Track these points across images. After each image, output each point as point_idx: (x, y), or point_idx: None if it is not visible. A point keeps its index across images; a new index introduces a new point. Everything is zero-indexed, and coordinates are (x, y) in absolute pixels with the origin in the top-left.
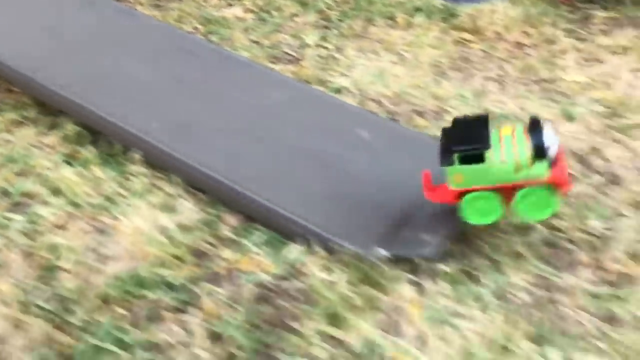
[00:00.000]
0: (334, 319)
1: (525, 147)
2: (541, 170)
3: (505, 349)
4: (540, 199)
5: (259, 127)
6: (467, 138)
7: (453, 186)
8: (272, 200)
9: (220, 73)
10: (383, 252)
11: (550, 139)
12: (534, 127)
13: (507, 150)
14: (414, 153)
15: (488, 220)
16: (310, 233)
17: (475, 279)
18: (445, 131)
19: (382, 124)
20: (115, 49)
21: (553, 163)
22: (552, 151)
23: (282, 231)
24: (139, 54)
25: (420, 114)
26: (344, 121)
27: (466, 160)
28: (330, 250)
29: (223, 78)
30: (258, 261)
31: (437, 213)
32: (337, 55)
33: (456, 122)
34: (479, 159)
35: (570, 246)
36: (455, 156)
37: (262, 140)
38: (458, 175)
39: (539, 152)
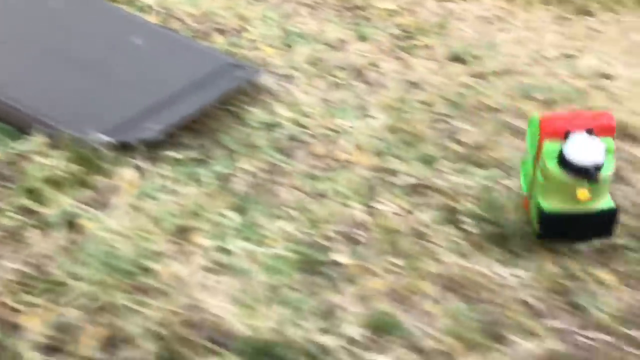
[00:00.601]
0: (35, 195)
1: (604, 180)
2: (608, 169)
3: (195, 214)
4: None
5: (26, 34)
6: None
7: None
8: (7, 95)
9: None
10: (104, 138)
11: (586, 154)
12: (569, 166)
13: (601, 191)
14: (181, 59)
15: None
16: (38, 123)
17: (203, 164)
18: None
19: (160, 33)
20: None
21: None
22: (599, 159)
23: (15, 124)
24: None
25: (221, 32)
26: (121, 30)
27: None
28: (55, 137)
29: None
30: None
31: (172, 107)
32: None
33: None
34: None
35: (310, 140)
36: None
37: (23, 46)
38: None
39: (600, 170)
